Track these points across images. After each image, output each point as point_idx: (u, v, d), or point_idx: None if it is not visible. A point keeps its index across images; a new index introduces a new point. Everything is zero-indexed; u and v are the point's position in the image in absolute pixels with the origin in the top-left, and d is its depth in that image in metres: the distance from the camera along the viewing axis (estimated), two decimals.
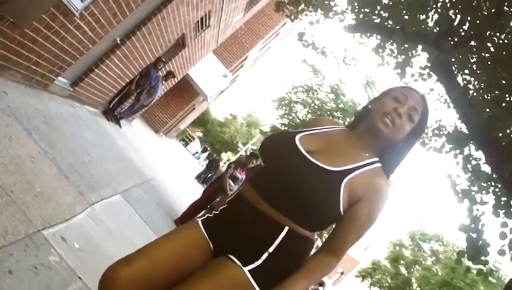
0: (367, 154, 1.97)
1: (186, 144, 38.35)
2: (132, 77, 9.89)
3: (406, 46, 5.54)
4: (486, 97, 4.94)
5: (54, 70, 6.20)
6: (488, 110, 4.68)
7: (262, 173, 2.00)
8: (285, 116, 23.07)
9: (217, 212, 2.01)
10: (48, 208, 3.65)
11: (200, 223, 1.97)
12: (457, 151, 5.39)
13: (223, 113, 52.85)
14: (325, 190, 1.81)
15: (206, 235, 1.93)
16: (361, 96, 20.59)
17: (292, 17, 6.53)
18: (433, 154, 6.11)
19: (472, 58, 5.30)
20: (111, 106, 10.32)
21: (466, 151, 5.35)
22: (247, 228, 1.90)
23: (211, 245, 1.93)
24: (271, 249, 1.87)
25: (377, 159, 1.99)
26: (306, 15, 6.32)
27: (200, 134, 49.60)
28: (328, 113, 21.09)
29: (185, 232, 1.95)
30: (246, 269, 1.82)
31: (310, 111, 22.00)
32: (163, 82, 11.30)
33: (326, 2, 6.01)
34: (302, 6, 6.09)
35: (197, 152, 38.85)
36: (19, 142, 4.27)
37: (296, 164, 1.85)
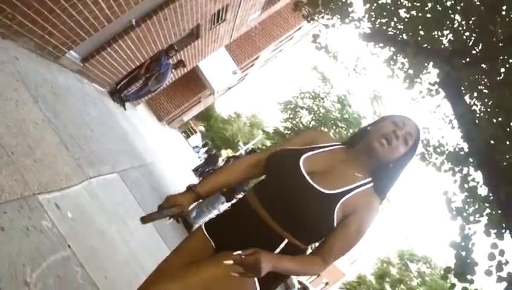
0: (361, 175, 2.13)
1: (187, 137, 38.33)
2: (143, 61, 9.91)
3: (418, 60, 5.56)
4: (491, 119, 4.98)
5: (66, 43, 6.22)
6: (492, 131, 4.72)
7: (267, 185, 2.14)
8: (289, 120, 23.10)
9: (221, 213, 2.20)
10: (45, 174, 3.68)
11: (203, 227, 2.18)
12: (456, 169, 5.42)
13: (228, 110, 52.89)
14: (321, 211, 1.99)
15: (208, 236, 2.14)
16: (366, 110, 20.56)
17: (309, 18, 6.56)
18: (431, 171, 6.14)
19: (481, 80, 5.34)
20: (118, 87, 10.33)
21: (465, 170, 5.39)
22: (250, 234, 2.06)
23: (213, 244, 2.13)
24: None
25: (369, 179, 2.15)
26: (322, 17, 6.36)
27: (202, 128, 49.60)
28: (332, 122, 21.11)
29: (191, 244, 2.16)
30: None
31: (314, 118, 22.03)
32: (173, 70, 11.30)
33: (344, 8, 6.04)
34: (320, 8, 6.13)
35: (197, 146, 38.82)
36: (25, 107, 4.29)
37: (297, 186, 2.02)
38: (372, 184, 2.14)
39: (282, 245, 2.06)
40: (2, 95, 3.92)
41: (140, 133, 11.48)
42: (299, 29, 20.99)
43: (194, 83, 19.14)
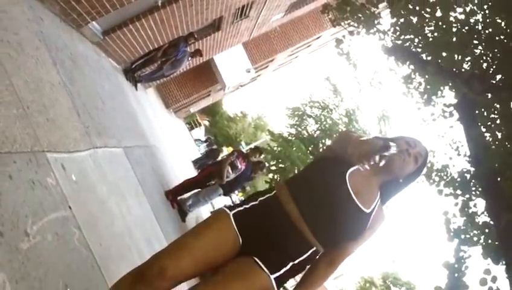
0: (377, 190, 2.28)
1: (191, 128, 38.32)
2: (161, 44, 9.93)
3: (437, 80, 5.58)
4: (501, 147, 5.01)
5: (91, 13, 6.25)
6: (501, 157, 4.74)
7: (307, 190, 2.17)
8: (295, 126, 23.11)
9: (248, 206, 2.20)
10: (55, 134, 3.70)
11: (232, 218, 2.15)
12: (459, 193, 5.45)
13: (234, 109, 52.83)
14: (360, 228, 2.19)
15: (237, 230, 2.13)
16: (373, 128, 20.54)
17: (335, 23, 6.58)
18: (427, 193, 6.20)
19: (496, 109, 5.36)
20: (133, 66, 10.35)
21: (467, 195, 5.41)
22: (280, 237, 2.12)
23: (240, 240, 2.13)
24: (296, 261, 2.15)
25: (379, 193, 2.29)
26: (349, 24, 6.38)
27: (206, 122, 49.60)
28: (335, 135, 21.12)
29: (219, 230, 2.12)
30: (273, 276, 2.07)
31: (320, 128, 22.04)
32: (189, 58, 11.29)
33: (372, 19, 6.05)
34: (347, 15, 6.15)
35: (199, 139, 38.83)
36: (44, 67, 4.32)
37: (343, 202, 2.12)
38: (379, 196, 2.29)
39: (309, 252, 2.16)
40: (24, 51, 3.95)
41: (148, 116, 11.49)
42: (318, 38, 21.00)
43: (206, 75, 19.15)
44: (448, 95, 6.69)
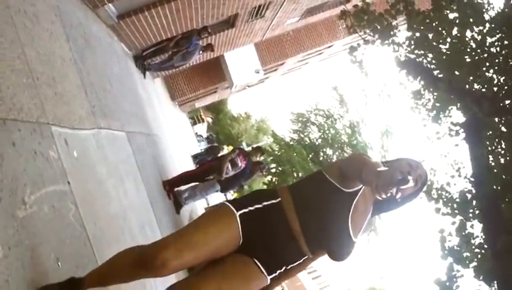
0: (370, 208, 2.43)
1: (194, 123, 38.33)
2: (174, 35, 9.92)
3: (447, 97, 5.57)
4: (505, 169, 4.99)
5: None
6: (504, 179, 4.73)
7: (310, 208, 2.32)
8: (298, 132, 23.14)
9: (252, 209, 2.31)
10: (62, 109, 3.68)
11: (238, 218, 2.27)
12: (457, 211, 5.44)
13: (239, 109, 52.76)
14: (346, 253, 2.36)
15: (240, 230, 2.26)
16: (375, 142, 20.57)
17: (351, 30, 6.58)
18: (426, 209, 6.17)
19: (503, 132, 5.35)
20: (144, 54, 10.34)
21: (465, 216, 5.40)
22: (279, 244, 2.29)
23: (241, 239, 2.27)
24: (289, 267, 2.38)
25: (371, 209, 2.44)
26: (364, 32, 6.37)
27: (210, 119, 49.60)
28: (339, 145, 21.14)
29: (225, 230, 2.24)
30: (269, 277, 2.30)
31: (322, 136, 22.07)
32: (201, 52, 11.29)
33: (388, 29, 6.04)
34: (364, 23, 6.14)
35: (201, 135, 38.81)
36: (57, 41, 4.30)
37: (340, 229, 2.30)
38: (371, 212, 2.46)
39: (301, 260, 2.39)
40: (39, 23, 3.94)
41: (153, 105, 11.47)
42: (330, 46, 20.99)
43: (215, 71, 19.12)
44: (455, 115, 6.68)
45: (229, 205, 2.31)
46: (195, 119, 38.72)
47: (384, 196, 1.91)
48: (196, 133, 36.77)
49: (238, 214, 2.27)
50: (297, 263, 2.38)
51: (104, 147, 4.67)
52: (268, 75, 22.93)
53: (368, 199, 2.40)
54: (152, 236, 5.37)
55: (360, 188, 2.35)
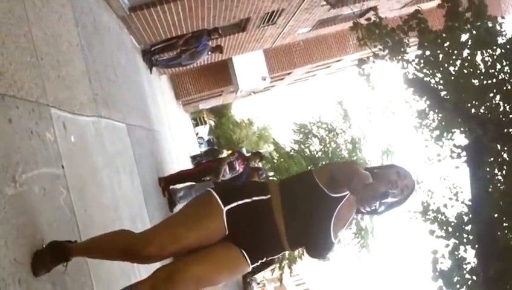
0: (354, 210, 2.53)
1: (196, 125, 38.27)
2: (185, 33, 9.91)
3: (452, 119, 5.53)
4: (504, 195, 4.95)
5: None
6: (502, 205, 4.69)
7: (296, 210, 2.44)
8: (299, 143, 23.06)
9: (241, 203, 2.41)
10: (63, 93, 3.65)
11: (224, 214, 2.39)
12: (451, 233, 5.39)
13: (242, 114, 52.68)
14: (323, 253, 2.49)
15: (226, 223, 2.38)
16: (375, 160, 20.51)
17: (362, 42, 6.55)
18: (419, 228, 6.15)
19: (505, 159, 5.31)
20: (152, 49, 10.33)
21: (459, 240, 5.35)
22: (264, 239, 2.44)
23: (227, 230, 2.40)
24: (269, 259, 2.58)
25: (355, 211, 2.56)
26: (375, 46, 6.34)
27: (212, 122, 49.54)
28: (339, 159, 21.07)
29: (211, 225, 2.38)
30: (251, 266, 2.46)
31: (323, 149, 22.00)
32: (209, 52, 11.27)
33: (399, 46, 6.01)
34: (375, 37, 6.11)
35: (202, 137, 38.75)
36: (66, 25, 4.28)
37: (322, 231, 2.42)
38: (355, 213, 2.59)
39: (280, 254, 2.61)
40: (49, 4, 3.91)
41: (157, 101, 11.44)
42: (338, 60, 20.98)
43: (221, 74, 19.08)
44: (458, 138, 6.64)
45: (217, 197, 2.42)
46: (197, 120, 38.67)
47: (367, 209, 2.02)
48: (197, 135, 36.71)
49: (225, 209, 2.40)
50: (276, 256, 2.59)
51: (103, 136, 4.63)
52: (274, 83, 22.91)
53: (353, 204, 2.49)
54: (143, 229, 5.30)
55: (346, 194, 2.45)
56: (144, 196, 6.05)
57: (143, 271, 4.79)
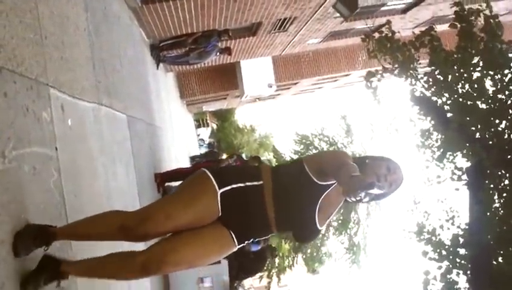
0: (342, 199, 2.58)
1: (198, 126, 38.20)
2: (195, 31, 9.87)
3: (455, 140, 5.46)
4: (502, 222, 4.89)
5: None
6: (500, 232, 4.62)
7: (286, 198, 2.52)
8: (299, 153, 23.01)
9: (235, 187, 2.48)
10: (65, 75, 3.58)
11: (219, 196, 2.46)
12: (444, 255, 5.31)
13: (245, 120, 52.63)
14: (308, 238, 2.75)
15: (219, 205, 2.46)
16: None
17: (372, 54, 6.50)
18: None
19: (505, 185, 5.24)
20: (161, 45, 10.28)
21: (452, 263, 5.27)
22: (253, 223, 2.54)
23: (220, 212, 2.48)
24: (255, 240, 2.76)
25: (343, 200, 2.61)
26: (385, 60, 6.29)
27: (214, 126, 49.47)
28: None
29: (206, 206, 2.46)
30: (238, 246, 2.58)
31: None
32: (218, 53, 11.22)
33: (408, 62, 5.95)
34: (386, 50, 6.06)
35: (203, 139, 38.65)
36: (75, 8, 4.22)
37: (308, 217, 2.53)
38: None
39: (267, 237, 2.82)
40: None
41: (160, 97, 11.38)
42: (346, 75, 20.95)
43: (228, 77, 19.04)
44: (459, 161, 6.57)
45: (213, 180, 2.48)
46: (200, 122, 38.61)
47: (353, 199, 2.10)
48: (198, 136, 36.62)
49: (219, 192, 2.46)
50: (263, 237, 2.78)
51: (102, 124, 4.56)
52: (280, 92, 22.86)
53: (340, 194, 2.47)
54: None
55: (334, 183, 2.53)
56: (138, 189, 5.97)
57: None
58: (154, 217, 2.40)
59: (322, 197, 2.53)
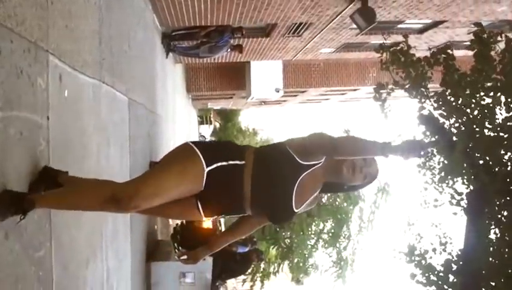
0: (319, 186, 2.68)
1: (201, 123, 38.06)
2: (208, 25, 9.77)
3: (460, 163, 5.34)
4: (497, 252, 4.77)
5: None
6: (490, 260, 4.50)
7: (264, 180, 2.54)
8: None
9: (219, 165, 2.52)
10: (68, 45, 3.47)
11: (205, 174, 2.50)
12: (432, 282, 5.19)
13: (248, 123, 52.58)
14: (283, 219, 2.82)
15: (204, 180, 2.50)
16: (369, 194, 20.29)
17: (384, 66, 6.38)
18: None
19: (505, 216, 5.12)
20: (173, 34, 10.19)
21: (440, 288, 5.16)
22: (229, 200, 2.58)
23: (203, 186, 2.52)
24: (228, 216, 2.90)
25: (320, 188, 2.70)
26: (397, 73, 6.18)
27: (217, 124, 49.39)
28: None
29: (192, 183, 2.50)
30: (204, 218, 2.71)
31: None
32: (228, 50, 11.11)
33: (420, 79, 5.85)
34: (399, 63, 5.94)
35: (204, 136, 38.50)
36: None
37: (284, 198, 2.57)
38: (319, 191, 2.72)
39: (239, 215, 2.76)
40: None
41: (166, 87, 11.27)
42: (354, 90, 20.86)
43: (236, 77, 18.94)
44: (459, 188, 6.46)
45: (201, 157, 2.50)
46: (203, 118, 38.46)
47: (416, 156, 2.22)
48: (200, 134, 36.50)
49: (206, 170, 2.49)
50: (236, 215, 2.75)
51: (100, 102, 4.44)
52: (286, 98, 22.76)
53: (318, 178, 2.63)
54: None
55: (314, 165, 2.57)
56: (131, 174, 5.83)
57: (110, 251, 4.60)
58: (146, 192, 2.41)
59: (301, 176, 2.55)
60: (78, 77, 3.71)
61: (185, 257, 2.95)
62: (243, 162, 2.56)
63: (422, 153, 2.20)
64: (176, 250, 7.02)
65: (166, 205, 2.53)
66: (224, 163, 2.53)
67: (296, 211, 2.63)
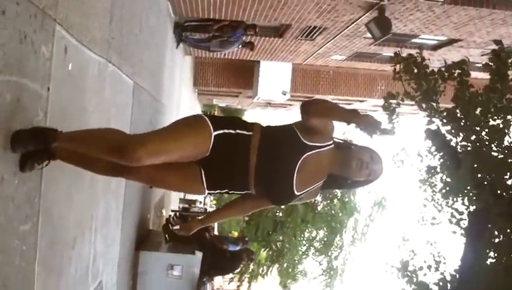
0: (324, 177, 2.67)
1: None
2: (222, 19, 9.68)
3: (465, 180, 5.24)
4: (494, 274, 4.67)
5: None
6: (489, 284, 4.40)
7: (269, 154, 2.53)
8: None
9: (226, 132, 2.53)
10: (77, 17, 3.38)
11: (212, 138, 2.49)
12: None
13: None
14: (283, 200, 2.75)
15: (210, 148, 2.50)
16: (365, 207, 20.21)
17: (396, 76, 6.29)
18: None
19: (507, 238, 5.02)
20: (185, 24, 10.10)
21: None
22: (233, 171, 2.55)
23: (209, 153, 2.51)
24: (230, 192, 2.71)
25: (326, 178, 2.69)
26: (408, 84, 6.09)
27: None
28: (331, 196, 20.74)
29: (199, 143, 2.49)
30: (207, 191, 2.67)
31: None
32: (240, 46, 11.02)
33: (431, 92, 5.75)
34: (412, 75, 5.86)
35: None
36: None
37: (286, 177, 2.55)
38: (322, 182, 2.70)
39: (242, 192, 2.69)
40: None
41: (173, 77, 11.18)
42: (361, 101, 20.75)
43: (244, 75, 18.83)
44: (459, 208, 6.36)
45: (209, 122, 2.50)
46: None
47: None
48: None
49: (214, 134, 2.49)
50: (238, 192, 2.69)
51: (105, 81, 4.35)
52: (292, 102, 22.64)
53: (324, 166, 2.63)
54: (115, 191, 5.03)
55: (319, 147, 2.57)
56: None
57: (99, 234, 4.50)
58: (151, 147, 2.39)
59: (305, 156, 2.55)
60: (84, 52, 3.62)
61: (177, 226, 3.03)
62: (250, 133, 2.57)
63: (378, 133, 2.33)
64: (166, 241, 6.92)
65: (169, 171, 2.56)
66: (231, 131, 2.54)
67: (296, 193, 2.61)
